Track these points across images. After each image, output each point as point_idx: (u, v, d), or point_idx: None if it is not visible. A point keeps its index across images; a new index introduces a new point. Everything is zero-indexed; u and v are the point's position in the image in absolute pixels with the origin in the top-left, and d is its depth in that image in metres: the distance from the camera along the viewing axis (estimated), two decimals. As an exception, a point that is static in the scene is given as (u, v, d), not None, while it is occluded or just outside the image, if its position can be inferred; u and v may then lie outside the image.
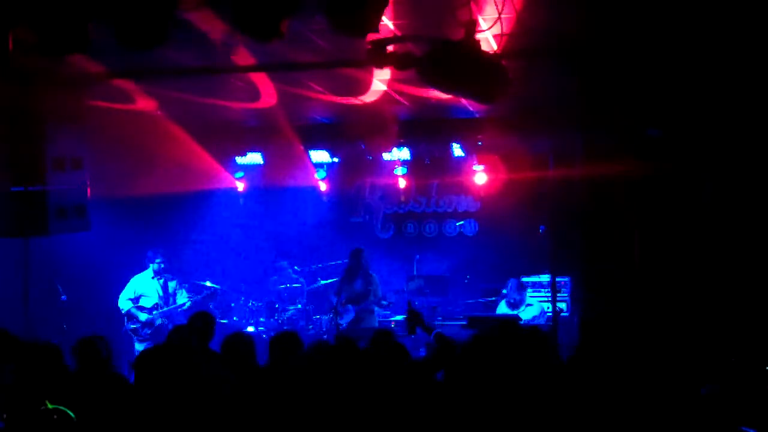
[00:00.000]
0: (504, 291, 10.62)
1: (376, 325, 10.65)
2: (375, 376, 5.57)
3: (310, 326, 11.33)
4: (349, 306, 10.56)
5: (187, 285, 11.16)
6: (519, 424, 5.16)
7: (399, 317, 11.25)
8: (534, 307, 10.47)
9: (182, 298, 10.77)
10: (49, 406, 4.77)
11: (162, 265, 10.67)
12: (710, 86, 7.33)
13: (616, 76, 7.16)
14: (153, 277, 10.69)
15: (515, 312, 10.34)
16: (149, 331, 10.42)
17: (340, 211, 12.94)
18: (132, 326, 10.48)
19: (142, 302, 10.58)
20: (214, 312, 11.30)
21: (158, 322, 10.51)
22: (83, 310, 10.61)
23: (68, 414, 4.85)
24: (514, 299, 10.39)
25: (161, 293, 10.67)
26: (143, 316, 10.48)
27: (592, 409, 5.28)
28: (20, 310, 9.44)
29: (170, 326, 10.52)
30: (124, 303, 10.56)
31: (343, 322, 10.44)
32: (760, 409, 5.23)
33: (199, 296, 10.87)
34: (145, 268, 10.75)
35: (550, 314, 10.38)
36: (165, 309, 10.61)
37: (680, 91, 7.39)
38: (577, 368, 6.46)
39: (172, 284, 10.79)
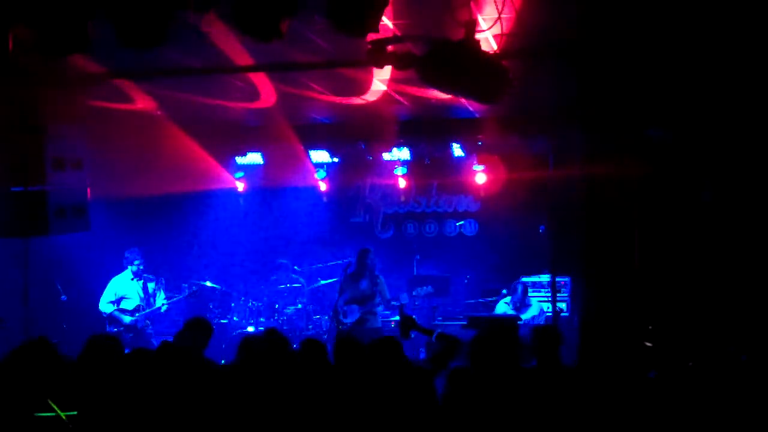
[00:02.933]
0: (504, 291, 10.63)
1: (380, 325, 10.61)
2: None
3: (310, 326, 11.33)
4: (354, 306, 10.53)
5: (186, 285, 11.12)
6: (521, 422, 5.17)
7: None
8: (533, 307, 10.48)
9: (161, 299, 10.56)
10: (62, 414, 4.74)
11: (141, 267, 10.43)
12: (710, 86, 7.33)
13: (616, 76, 7.15)
14: (132, 279, 10.43)
15: (521, 310, 10.37)
16: (131, 335, 10.13)
17: (340, 211, 12.94)
18: (114, 330, 10.16)
19: (123, 305, 10.32)
20: (214, 311, 11.34)
21: (140, 324, 10.30)
22: (83, 310, 10.59)
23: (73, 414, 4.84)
24: (520, 302, 10.42)
25: (142, 294, 10.42)
26: (127, 319, 10.24)
27: (593, 408, 5.28)
28: (20, 309, 9.44)
29: (150, 327, 10.38)
30: (105, 306, 10.30)
31: (348, 322, 10.42)
32: (759, 407, 5.24)
33: (181, 296, 10.77)
34: (123, 269, 10.50)
35: (550, 314, 10.39)
36: (147, 311, 10.40)
37: (680, 91, 7.39)
38: (577, 368, 6.47)
39: (151, 285, 10.55)
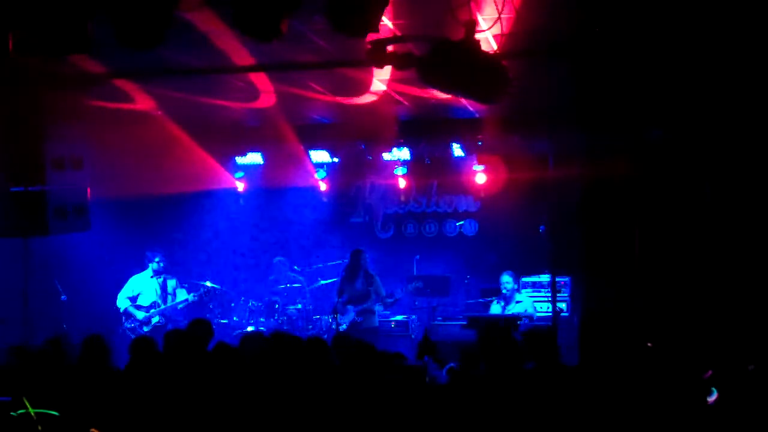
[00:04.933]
0: (504, 291, 10.62)
1: (377, 325, 10.66)
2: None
3: (310, 326, 11.33)
4: (350, 306, 10.55)
5: (187, 285, 11.15)
6: (521, 423, 5.17)
7: (399, 317, 11.27)
8: (524, 303, 10.48)
9: (181, 297, 10.76)
10: (31, 411, 4.70)
11: (161, 265, 10.69)
12: (710, 86, 7.33)
13: (616, 76, 7.15)
14: (152, 277, 10.70)
15: (508, 305, 10.39)
16: (147, 330, 10.36)
17: (340, 211, 12.93)
18: (129, 325, 10.49)
19: (139, 301, 10.59)
20: (214, 311, 11.35)
21: (155, 320, 10.52)
22: (83, 310, 10.60)
23: (53, 415, 4.82)
24: (510, 291, 10.44)
25: (159, 292, 10.66)
26: (140, 315, 10.50)
27: (594, 408, 5.28)
28: (20, 309, 9.44)
29: (168, 325, 10.47)
30: (122, 302, 10.59)
31: (344, 322, 10.44)
32: (760, 408, 5.24)
33: (196, 293, 10.82)
34: (145, 267, 10.75)
35: (544, 314, 10.41)
36: (162, 307, 10.60)
37: (680, 91, 7.39)
38: (577, 367, 6.46)
39: (171, 283, 10.78)
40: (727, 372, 5.69)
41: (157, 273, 10.70)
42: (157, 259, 10.66)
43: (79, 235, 8.63)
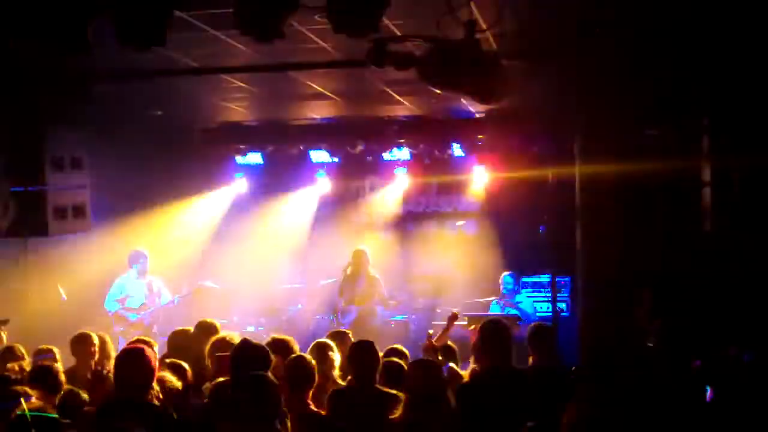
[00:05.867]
0: (504, 291, 10.63)
1: (378, 325, 10.65)
2: None
3: (310, 326, 11.34)
4: (351, 306, 10.55)
5: (187, 284, 11.12)
6: (520, 422, 5.18)
7: (399, 317, 11.27)
8: (524, 303, 10.49)
9: (166, 298, 10.61)
10: (27, 413, 4.70)
11: (146, 266, 10.51)
12: (710, 86, 7.34)
13: (614, 76, 7.16)
14: (137, 278, 10.51)
15: (507, 306, 10.41)
16: (139, 333, 10.14)
17: (340, 211, 12.93)
18: (121, 329, 10.26)
19: (129, 303, 10.39)
20: (213, 312, 11.32)
21: (147, 322, 10.35)
22: (83, 311, 10.57)
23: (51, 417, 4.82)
24: (510, 291, 10.45)
25: (147, 293, 10.49)
26: (132, 317, 10.31)
27: (593, 407, 5.28)
28: (20, 310, 9.43)
29: (155, 327, 10.37)
30: (111, 305, 10.37)
31: (345, 322, 10.44)
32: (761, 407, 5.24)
33: (179, 295, 10.74)
34: (129, 268, 10.57)
35: (544, 314, 10.41)
36: (152, 309, 10.47)
37: (680, 92, 7.40)
38: (577, 368, 6.47)
39: (156, 283, 10.63)
40: (726, 372, 5.70)
41: (141, 274, 10.51)
42: (141, 261, 10.48)
43: (78, 235, 8.61)
